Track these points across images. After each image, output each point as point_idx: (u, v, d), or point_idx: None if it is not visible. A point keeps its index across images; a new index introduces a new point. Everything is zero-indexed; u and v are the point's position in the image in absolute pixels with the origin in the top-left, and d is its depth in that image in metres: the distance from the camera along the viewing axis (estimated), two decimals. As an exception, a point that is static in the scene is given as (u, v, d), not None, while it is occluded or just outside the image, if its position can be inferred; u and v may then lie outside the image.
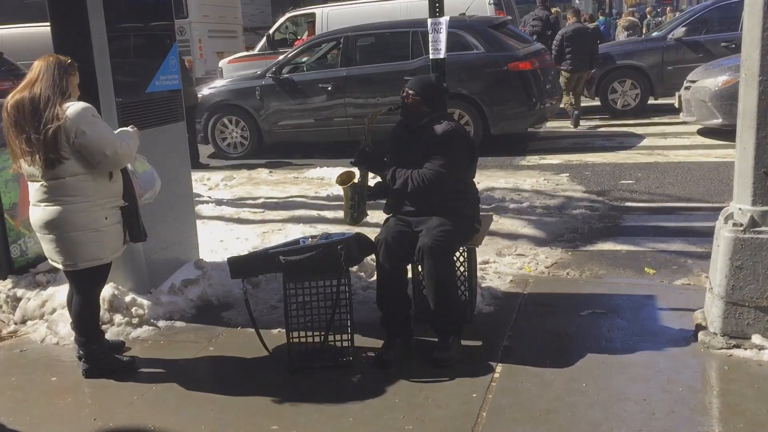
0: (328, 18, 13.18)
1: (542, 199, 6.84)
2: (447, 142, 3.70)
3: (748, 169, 3.46)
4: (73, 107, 3.37)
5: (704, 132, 9.39)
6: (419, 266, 3.90)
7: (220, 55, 16.39)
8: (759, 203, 3.46)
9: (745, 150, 3.46)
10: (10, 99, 3.43)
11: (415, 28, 9.21)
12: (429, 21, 4.43)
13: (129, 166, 3.69)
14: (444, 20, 4.32)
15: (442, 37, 4.33)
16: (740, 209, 3.51)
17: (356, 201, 3.96)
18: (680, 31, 11.23)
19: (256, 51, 14.85)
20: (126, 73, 4.33)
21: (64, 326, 4.10)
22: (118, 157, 3.46)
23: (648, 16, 27.57)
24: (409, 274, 4.07)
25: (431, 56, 4.48)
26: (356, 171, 3.98)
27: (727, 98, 8.33)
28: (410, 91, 3.81)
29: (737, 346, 3.50)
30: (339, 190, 7.55)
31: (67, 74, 3.42)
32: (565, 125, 11.14)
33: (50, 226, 3.44)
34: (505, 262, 5.15)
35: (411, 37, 9.33)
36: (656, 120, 10.82)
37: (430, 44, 4.40)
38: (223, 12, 17.06)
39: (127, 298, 4.29)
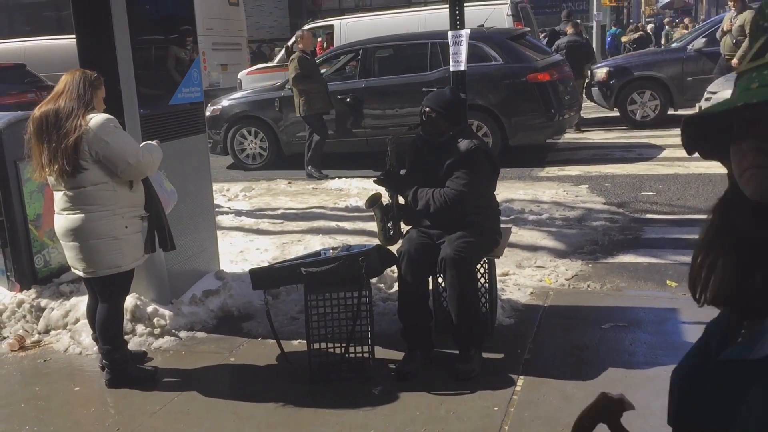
0: (346, 30, 13.26)
1: (562, 210, 6.81)
2: (469, 160, 3.69)
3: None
4: (95, 119, 3.44)
5: (725, 143, 9.30)
6: (441, 278, 3.89)
7: (224, 68, 16.51)
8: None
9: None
10: (36, 111, 3.52)
11: (434, 39, 9.23)
12: (450, 33, 4.44)
13: (161, 182, 3.75)
14: (465, 33, 4.33)
15: (463, 49, 4.34)
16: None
17: (387, 221, 3.96)
18: (700, 42, 11.17)
19: (275, 62, 14.97)
20: (150, 86, 4.38)
21: (87, 336, 4.14)
22: (141, 165, 3.53)
23: (666, 26, 27.46)
24: (430, 286, 4.07)
25: (452, 68, 4.49)
26: (384, 191, 3.98)
27: (749, 109, 8.26)
28: (427, 108, 3.81)
29: (762, 361, 3.45)
30: (357, 201, 7.61)
31: (93, 88, 3.50)
32: (583, 136, 11.12)
33: (72, 233, 3.51)
34: (525, 274, 5.14)
35: (429, 48, 9.36)
36: (676, 131, 10.73)
37: (450, 56, 4.41)
38: (227, 25, 17.17)
39: (149, 309, 4.32)
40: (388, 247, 3.93)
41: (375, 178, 3.96)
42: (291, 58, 9.21)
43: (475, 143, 3.74)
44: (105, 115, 3.52)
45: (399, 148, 3.97)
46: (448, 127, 3.79)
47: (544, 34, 12.84)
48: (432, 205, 3.69)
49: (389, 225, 3.99)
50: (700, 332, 3.62)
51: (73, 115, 3.42)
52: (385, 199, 3.99)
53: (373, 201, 3.96)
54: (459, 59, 4.35)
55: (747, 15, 9.52)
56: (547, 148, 10.06)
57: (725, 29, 9.90)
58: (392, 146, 3.95)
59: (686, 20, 25.37)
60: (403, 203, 3.95)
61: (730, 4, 10.14)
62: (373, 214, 4.05)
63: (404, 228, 4.04)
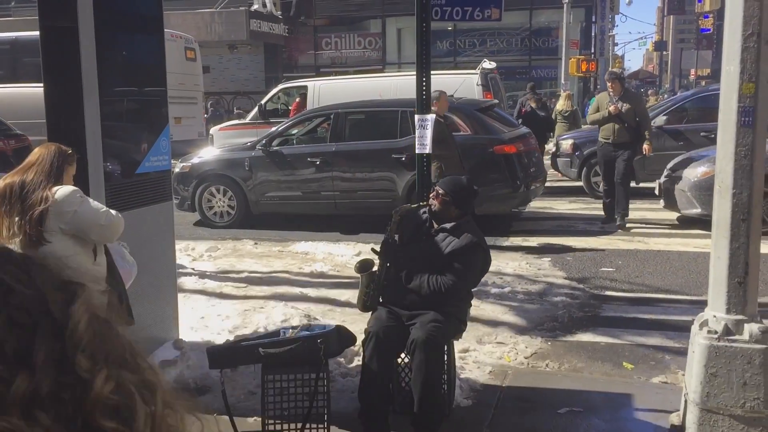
0: (319, 91, 13.47)
1: (524, 284, 6.90)
2: (470, 255, 3.78)
3: (723, 278, 3.54)
4: (61, 190, 3.45)
5: (684, 220, 9.57)
6: (408, 358, 3.90)
7: (177, 121, 16.60)
8: (733, 312, 3.53)
9: (719, 259, 3.56)
10: (2, 181, 3.50)
11: (404, 107, 9.41)
12: (416, 117, 4.57)
13: (122, 254, 3.74)
14: (430, 117, 4.46)
15: (428, 133, 4.46)
16: (715, 317, 3.58)
17: (371, 289, 3.96)
18: (661, 120, 11.55)
19: (247, 120, 15.11)
20: (117, 155, 4.41)
21: (37, 408, 4.03)
22: (113, 225, 3.54)
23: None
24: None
25: (417, 151, 4.60)
26: (375, 259, 3.99)
27: (706, 189, 8.49)
28: (440, 191, 3.87)
29: (712, 455, 3.51)
30: (322, 267, 7.61)
31: (65, 163, 3.53)
32: (547, 206, 11.32)
33: None
34: (485, 351, 5.17)
35: (399, 115, 9.54)
36: (638, 205, 10.99)
37: (416, 139, 4.53)
38: (183, 80, 17.30)
39: (103, 380, 4.24)
40: (360, 316, 3.92)
41: (372, 248, 3.99)
42: None
43: (477, 240, 3.83)
44: (70, 187, 3.53)
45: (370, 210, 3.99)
46: (457, 214, 3.86)
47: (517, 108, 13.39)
48: (424, 288, 3.73)
49: (371, 293, 3.99)
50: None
51: (40, 187, 3.43)
52: (376, 268, 3.99)
53: (366, 267, 3.96)
54: (424, 142, 4.47)
55: (633, 101, 9.30)
56: (511, 216, 10.21)
57: (613, 112, 9.13)
58: (397, 219, 3.97)
59: (649, 93, 26.23)
60: (388, 276, 3.93)
61: (609, 85, 9.53)
62: (359, 278, 4.04)
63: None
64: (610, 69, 10.46)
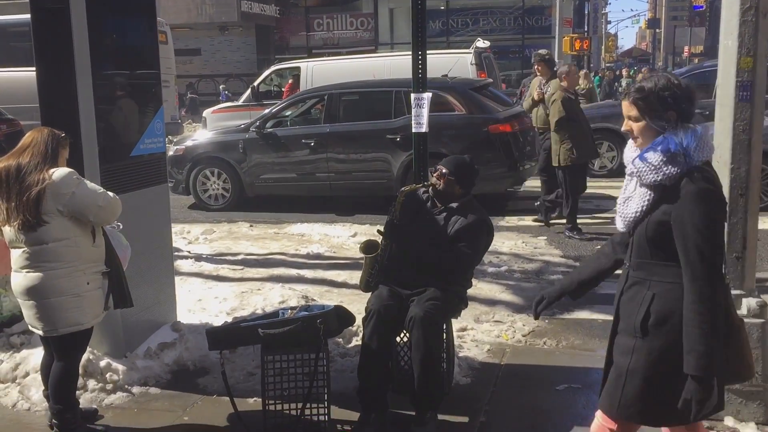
0: (312, 72, 13.39)
1: (520, 263, 6.91)
2: (478, 233, 3.81)
3: (720, 254, 3.55)
4: (58, 172, 3.44)
5: (679, 197, 9.56)
6: (406, 336, 3.91)
7: None
8: (731, 287, 3.53)
9: (717, 235, 3.56)
10: None
11: (398, 87, 9.38)
12: (412, 96, 4.54)
13: (118, 238, 3.73)
14: (427, 96, 4.43)
15: (425, 112, 4.43)
16: (712, 292, 3.58)
17: (375, 270, 3.95)
18: (656, 97, 11.52)
19: (240, 102, 15.02)
20: (111, 137, 4.37)
21: (37, 391, 4.04)
22: (111, 206, 3.53)
23: (624, 75, 28.31)
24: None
25: (414, 130, 4.58)
26: (380, 240, 3.99)
27: (701, 166, 8.52)
28: (444, 170, 3.88)
29: (710, 428, 3.54)
30: (319, 248, 7.61)
31: (60, 146, 3.52)
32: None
33: (31, 292, 3.45)
34: (482, 330, 5.18)
35: (394, 96, 9.50)
36: (632, 182, 11.02)
37: (412, 118, 4.50)
38: None
39: (102, 363, 4.25)
40: (357, 296, 3.93)
41: (378, 229, 4.00)
42: (553, 99, 7.63)
43: (482, 218, 3.87)
44: (67, 169, 3.52)
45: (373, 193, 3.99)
46: (461, 193, 3.90)
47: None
48: (433, 267, 3.77)
49: (374, 273, 3.97)
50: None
51: (37, 169, 3.42)
52: (380, 249, 3.99)
53: (372, 248, 3.96)
54: (421, 121, 4.45)
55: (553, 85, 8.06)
56: (507, 195, 10.21)
57: (536, 98, 8.49)
58: (401, 199, 3.97)
59: (644, 70, 26.15)
60: (390, 255, 3.93)
61: (536, 68, 8.88)
62: (361, 259, 4.04)
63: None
64: (537, 51, 9.37)
